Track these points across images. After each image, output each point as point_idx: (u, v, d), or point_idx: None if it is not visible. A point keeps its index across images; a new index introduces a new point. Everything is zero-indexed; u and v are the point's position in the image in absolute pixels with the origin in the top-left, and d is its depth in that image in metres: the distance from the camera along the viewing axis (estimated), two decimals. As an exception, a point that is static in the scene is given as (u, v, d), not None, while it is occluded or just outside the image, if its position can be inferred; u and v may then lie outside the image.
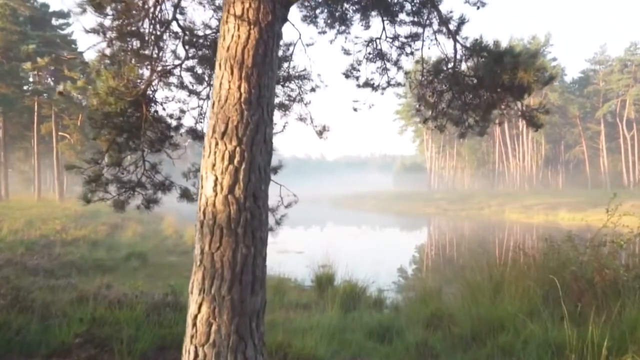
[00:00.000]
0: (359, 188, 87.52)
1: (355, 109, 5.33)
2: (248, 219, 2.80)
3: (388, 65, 5.18)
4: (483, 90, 4.62)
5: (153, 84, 4.22)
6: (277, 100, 5.08)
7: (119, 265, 11.28)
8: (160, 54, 4.20)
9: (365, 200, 67.68)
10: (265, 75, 2.94)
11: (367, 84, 5.26)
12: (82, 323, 4.63)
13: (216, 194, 2.80)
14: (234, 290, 2.76)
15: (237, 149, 2.82)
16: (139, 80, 4.09)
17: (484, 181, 79.13)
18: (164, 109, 4.48)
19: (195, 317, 2.79)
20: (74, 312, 4.87)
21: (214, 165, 2.83)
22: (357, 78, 5.31)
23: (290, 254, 16.66)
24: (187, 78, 4.81)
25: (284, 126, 5.30)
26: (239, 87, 2.87)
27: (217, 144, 2.84)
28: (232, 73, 2.88)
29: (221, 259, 2.76)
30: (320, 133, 5.30)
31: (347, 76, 5.29)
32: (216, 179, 2.81)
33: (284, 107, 5.26)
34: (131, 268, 10.85)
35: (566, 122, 68.57)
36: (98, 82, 3.59)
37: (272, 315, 7.25)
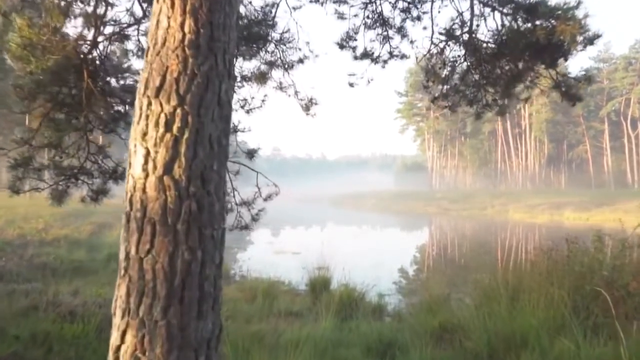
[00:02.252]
0: (359, 187, 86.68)
1: (351, 84, 4.49)
2: (193, 211, 1.98)
3: (390, 32, 4.34)
4: (505, 59, 3.77)
5: (100, 47, 3.40)
6: (253, 67, 4.24)
7: (99, 268, 10.46)
8: (108, 11, 3.39)
9: (365, 199, 66.85)
10: (220, 12, 2.12)
11: (366, 55, 4.43)
12: (18, 341, 3.80)
13: (147, 175, 1.98)
14: (171, 313, 1.93)
15: (178, 110, 1.99)
16: (82, 42, 3.26)
17: (485, 180, 78.19)
18: (117, 80, 3.66)
19: (118, 349, 1.97)
20: (11, 327, 4.04)
21: (144, 133, 2.01)
22: (354, 48, 4.48)
23: (286, 254, 15.84)
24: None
25: (263, 100, 4.47)
26: (182, 26, 2.05)
27: (149, 103, 2.02)
28: (172, 6, 2.06)
29: (153, 268, 1.94)
30: (306, 107, 4.48)
31: (341, 46, 4.46)
32: (147, 153, 1.99)
33: (262, 77, 4.44)
34: (111, 270, 10.02)
35: (569, 121, 67.67)
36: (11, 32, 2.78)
37: (258, 325, 6.43)
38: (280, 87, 4.48)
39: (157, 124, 1.99)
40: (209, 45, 2.07)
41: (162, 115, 1.99)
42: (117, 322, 1.98)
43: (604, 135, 65.30)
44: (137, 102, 2.09)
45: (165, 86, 2.01)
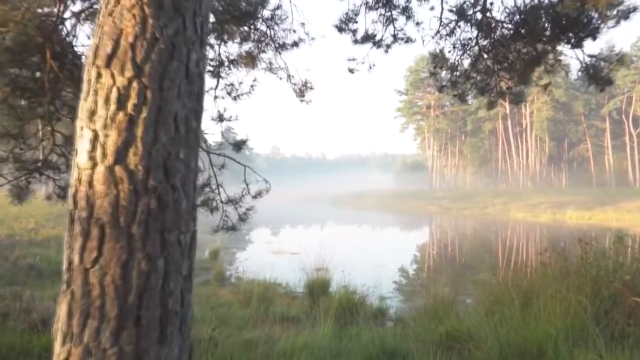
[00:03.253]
0: (359, 187, 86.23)
1: (351, 70, 4.08)
2: (152, 210, 1.58)
3: (394, 13, 3.94)
4: (522, 41, 3.36)
5: (67, 25, 2.99)
6: (242, 50, 3.83)
7: (89, 269, 10.06)
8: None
9: (365, 199, 66.45)
10: (190, -38, 1.71)
11: (367, 38, 4.02)
12: (-21, 355, 3.41)
13: (94, 164, 1.58)
14: (124, 338, 1.54)
15: (134, 84, 1.60)
16: (45, 18, 2.86)
17: (486, 179, 77.79)
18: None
19: (59, 383, 1.57)
20: (-26, 339, 3.65)
21: (92, 112, 1.61)
22: (354, 32, 4.07)
23: (284, 254, 15.43)
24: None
25: (252, 86, 4.06)
26: (140, -22, 1.64)
27: (99, 75, 1.62)
28: (128, -45, 1.66)
29: (101, 281, 1.54)
30: (300, 93, 4.07)
31: (340, 29, 4.06)
32: (95, 136, 1.59)
33: (251, 59, 4.03)
34: (101, 272, 9.63)
35: (570, 120, 67.25)
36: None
37: (252, 332, 6.04)
38: (270, 69, 4.06)
39: (107, 101, 1.59)
40: (174, 4, 1.67)
41: (114, 90, 1.59)
42: (57, 349, 1.58)
43: (605, 133, 64.87)
44: (85, 75, 1.69)
45: (119, 54, 1.61)
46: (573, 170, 70.88)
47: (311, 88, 4.02)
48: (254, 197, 3.88)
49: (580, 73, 3.27)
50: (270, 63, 4.00)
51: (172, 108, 1.64)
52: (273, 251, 16.69)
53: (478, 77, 3.85)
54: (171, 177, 1.63)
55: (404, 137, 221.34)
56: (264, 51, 3.99)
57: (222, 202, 4.04)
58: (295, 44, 4.05)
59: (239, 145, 3.60)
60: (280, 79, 4.07)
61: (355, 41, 4.03)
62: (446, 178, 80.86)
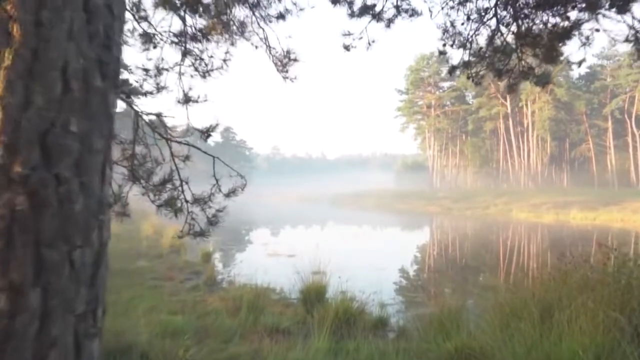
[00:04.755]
0: (359, 187, 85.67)
1: (347, 47, 3.48)
2: (19, 213, 1.00)
3: (397, -20, 3.36)
4: (551, 9, 2.77)
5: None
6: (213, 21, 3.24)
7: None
8: None
9: (366, 198, 65.91)
10: None
11: (365, 10, 3.43)
12: None
13: None
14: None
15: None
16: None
17: (487, 179, 77.15)
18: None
19: None
20: None
21: None
22: (350, 3, 3.48)
23: (280, 257, 14.83)
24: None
25: (225, 60, 3.46)
26: None
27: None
28: None
29: None
30: (282, 66, 3.49)
31: (335, 1, 3.47)
32: None
33: (223, 25, 3.43)
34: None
35: (572, 119, 66.64)
36: None
37: (239, 345, 5.47)
38: (242, 31, 3.43)
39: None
40: None
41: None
42: None
43: (607, 133, 64.23)
44: None
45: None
46: (574, 171, 70.26)
47: (295, 60, 3.41)
48: (227, 195, 3.27)
49: (629, 44, 2.70)
50: (243, 26, 3.39)
51: (59, 54, 1.06)
52: (269, 254, 16.10)
53: (495, 57, 3.28)
54: (55, 161, 1.05)
55: (405, 136, 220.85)
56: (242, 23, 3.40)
57: (186, 201, 3.45)
58: (281, 16, 3.46)
59: (207, 133, 3.02)
60: (257, 47, 3.48)
61: (352, 14, 3.44)
62: (447, 178, 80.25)
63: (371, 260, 14.91)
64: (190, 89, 3.55)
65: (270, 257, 15.02)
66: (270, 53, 3.44)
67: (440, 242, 23.26)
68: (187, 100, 3.64)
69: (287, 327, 6.04)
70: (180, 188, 3.37)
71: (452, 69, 3.48)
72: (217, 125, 3.17)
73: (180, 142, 3.37)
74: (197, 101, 3.56)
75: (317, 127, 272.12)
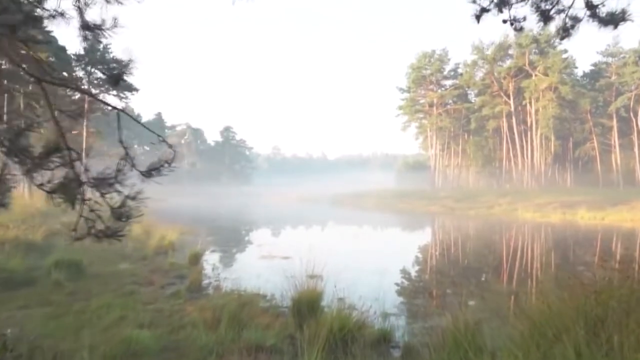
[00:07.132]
0: (360, 187, 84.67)
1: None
2: None
3: None
4: None
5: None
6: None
7: (39, 278, 8.58)
8: None
9: (366, 198, 64.93)
10: None
11: None
12: None
13: None
14: None
15: None
16: None
17: (489, 179, 76.09)
18: None
19: None
20: None
21: None
22: None
23: (274, 259, 13.88)
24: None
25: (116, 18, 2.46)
26: None
27: None
28: None
29: None
30: None
31: None
32: None
33: None
34: (52, 282, 8.14)
35: (576, 118, 65.55)
36: None
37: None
38: None
39: None
40: None
41: None
42: None
43: (612, 132, 63.12)
44: None
45: None
46: (578, 170, 69.15)
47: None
48: (145, 174, 2.21)
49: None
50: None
51: None
52: (263, 255, 15.14)
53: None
54: None
55: (406, 136, 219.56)
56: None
57: (80, 183, 2.31)
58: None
59: (117, 78, 2.07)
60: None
61: None
62: (449, 178, 79.15)
63: (372, 261, 13.95)
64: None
65: (264, 259, 14.08)
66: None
67: (444, 243, 22.25)
68: (85, 27, 2.64)
69: (273, 345, 5.11)
70: (69, 161, 2.27)
71: (482, 11, 2.56)
72: (129, 68, 2.20)
73: (68, 87, 2.38)
74: (101, 28, 2.57)
75: (318, 127, 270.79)
